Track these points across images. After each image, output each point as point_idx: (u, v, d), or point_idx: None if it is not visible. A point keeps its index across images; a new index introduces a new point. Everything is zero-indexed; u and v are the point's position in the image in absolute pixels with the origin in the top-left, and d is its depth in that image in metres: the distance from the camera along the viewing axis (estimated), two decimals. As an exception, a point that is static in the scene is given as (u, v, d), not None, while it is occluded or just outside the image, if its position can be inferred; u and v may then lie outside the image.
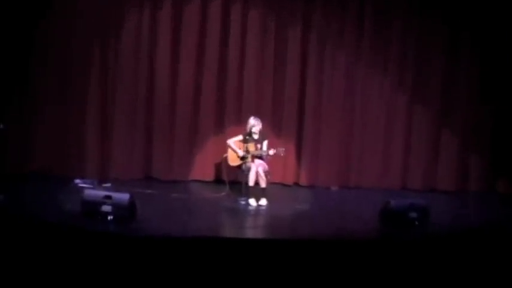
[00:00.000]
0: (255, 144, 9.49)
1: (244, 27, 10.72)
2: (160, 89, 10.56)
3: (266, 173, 9.39)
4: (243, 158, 9.50)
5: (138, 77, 10.47)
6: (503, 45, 11.05)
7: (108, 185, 9.65)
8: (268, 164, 9.56)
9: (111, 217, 7.50)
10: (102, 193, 7.71)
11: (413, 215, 8.19)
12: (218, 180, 10.60)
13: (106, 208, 7.53)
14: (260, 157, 9.51)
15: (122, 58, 10.40)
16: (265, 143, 9.55)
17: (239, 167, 9.59)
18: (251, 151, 9.43)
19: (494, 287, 6.84)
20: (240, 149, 9.56)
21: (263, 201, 9.26)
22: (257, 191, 9.31)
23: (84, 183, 9.61)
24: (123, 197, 7.62)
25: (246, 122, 9.72)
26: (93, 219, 7.51)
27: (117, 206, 7.54)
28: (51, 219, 7.48)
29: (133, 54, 10.44)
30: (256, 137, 9.53)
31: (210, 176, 10.80)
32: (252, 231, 8.48)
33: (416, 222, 8.17)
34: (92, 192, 7.87)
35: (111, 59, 10.37)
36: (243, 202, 9.26)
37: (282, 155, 9.48)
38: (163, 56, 10.52)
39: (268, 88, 10.87)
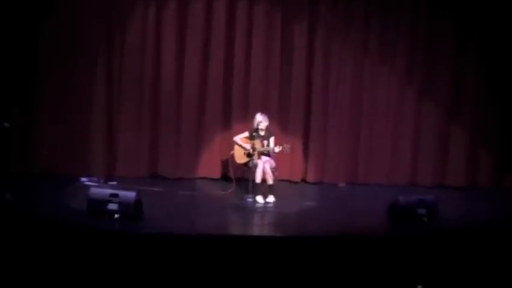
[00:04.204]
0: (262, 141, 9.47)
1: (250, 23, 10.69)
2: (166, 86, 10.55)
3: (273, 170, 9.38)
4: (249, 155, 9.49)
5: (143, 74, 10.46)
6: (512, 39, 11.02)
7: (114, 183, 9.70)
8: (275, 160, 9.55)
9: (118, 215, 7.51)
10: (108, 191, 7.72)
11: (422, 211, 8.18)
12: (225, 178, 10.60)
13: (112, 206, 7.55)
14: (267, 154, 9.50)
15: (127, 55, 10.39)
16: (271, 139, 9.53)
17: (246, 164, 9.58)
18: (257, 148, 9.41)
19: (504, 283, 6.83)
20: (246, 145, 9.56)
21: (270, 198, 9.26)
22: (264, 188, 9.30)
23: (90, 181, 9.65)
24: (130, 195, 7.63)
25: (252, 118, 9.71)
26: (99, 217, 7.52)
27: (123, 204, 7.55)
28: (58, 217, 7.50)
29: (139, 52, 10.43)
30: (262, 133, 9.51)
31: (216, 173, 10.80)
32: (259, 228, 8.48)
33: (425, 219, 8.16)
34: (98, 190, 7.89)
35: (116, 56, 10.37)
36: (250, 199, 9.25)
37: (288, 151, 9.48)
38: (168, 53, 10.50)
39: (275, 84, 10.85)
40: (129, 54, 10.40)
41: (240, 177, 9.95)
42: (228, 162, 10.18)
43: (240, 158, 9.65)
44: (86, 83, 10.25)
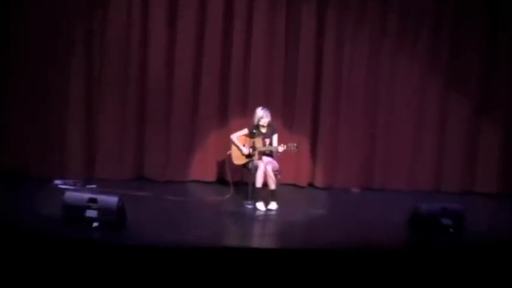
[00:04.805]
0: (263, 139, 9.48)
1: (250, 2, 10.69)
2: (153, 76, 10.54)
3: (276, 173, 9.39)
4: (248, 156, 9.49)
5: (127, 62, 10.46)
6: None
7: (93, 186, 9.70)
8: (278, 162, 9.55)
9: (97, 223, 7.51)
10: (86, 196, 7.72)
11: (448, 221, 8.21)
12: (221, 181, 10.63)
13: (91, 213, 7.55)
14: (269, 154, 9.50)
15: (109, 41, 10.37)
16: (274, 137, 9.54)
17: (245, 165, 9.59)
18: (258, 147, 9.41)
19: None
20: (245, 144, 9.55)
21: (273, 205, 9.26)
22: (266, 194, 9.31)
23: (66, 184, 9.64)
24: (111, 200, 7.63)
25: (252, 113, 9.71)
26: (75, 225, 7.51)
27: (103, 211, 7.55)
28: (27, 225, 7.49)
29: (123, 37, 10.40)
30: (264, 130, 9.53)
31: (211, 176, 10.83)
32: (259, 239, 8.47)
33: (451, 230, 8.18)
34: (75, 194, 7.87)
35: (96, 43, 10.35)
36: (249, 206, 9.26)
37: (293, 151, 9.48)
38: (157, 38, 10.48)
39: (279, 74, 10.84)
40: (112, 42, 10.38)
41: (238, 181, 9.98)
42: (224, 164, 10.16)
43: (238, 158, 9.65)
44: (61, 72, 10.24)
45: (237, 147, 9.61)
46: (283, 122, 10.74)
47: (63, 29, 10.18)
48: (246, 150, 9.50)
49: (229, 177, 9.92)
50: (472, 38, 11.03)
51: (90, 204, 7.58)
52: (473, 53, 11.03)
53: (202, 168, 10.82)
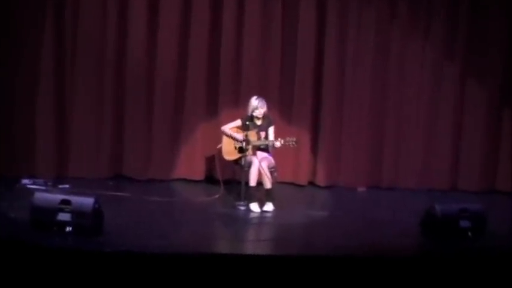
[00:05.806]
0: (258, 132, 9.49)
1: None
2: (134, 61, 10.57)
3: (272, 170, 9.41)
4: (241, 150, 9.48)
5: (104, 47, 10.47)
6: None
7: (67, 186, 9.70)
8: (274, 157, 9.56)
9: (70, 228, 7.49)
10: (58, 197, 7.70)
11: (466, 223, 8.20)
12: (210, 179, 10.66)
13: (63, 216, 7.52)
14: (264, 149, 9.51)
15: (83, 22, 10.37)
16: (270, 130, 9.56)
17: (237, 161, 9.59)
18: (252, 141, 9.41)
19: None
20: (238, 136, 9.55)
21: (268, 206, 9.28)
22: (260, 193, 9.35)
23: (35, 184, 9.65)
24: (86, 201, 7.61)
25: (245, 103, 9.70)
26: (46, 231, 7.48)
27: (78, 214, 7.52)
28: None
29: (99, 17, 10.42)
30: (259, 122, 9.54)
31: (199, 173, 10.86)
32: (254, 245, 8.47)
33: (470, 233, 8.17)
34: (45, 195, 7.86)
35: (68, 23, 10.36)
36: (242, 207, 9.27)
37: (292, 146, 9.47)
38: (137, 19, 10.51)
39: (275, 60, 10.88)
40: (86, 23, 10.38)
41: (230, 179, 10.03)
42: (213, 160, 10.18)
43: (229, 153, 9.64)
44: (28, 55, 10.25)
45: (230, 137, 9.58)
46: (281, 113, 10.78)
47: (30, 17, 10.17)
48: (241, 138, 9.44)
49: (219, 175, 9.95)
50: (492, 22, 11.04)
51: (63, 206, 7.53)
52: (493, 40, 11.05)
53: (188, 165, 10.85)
